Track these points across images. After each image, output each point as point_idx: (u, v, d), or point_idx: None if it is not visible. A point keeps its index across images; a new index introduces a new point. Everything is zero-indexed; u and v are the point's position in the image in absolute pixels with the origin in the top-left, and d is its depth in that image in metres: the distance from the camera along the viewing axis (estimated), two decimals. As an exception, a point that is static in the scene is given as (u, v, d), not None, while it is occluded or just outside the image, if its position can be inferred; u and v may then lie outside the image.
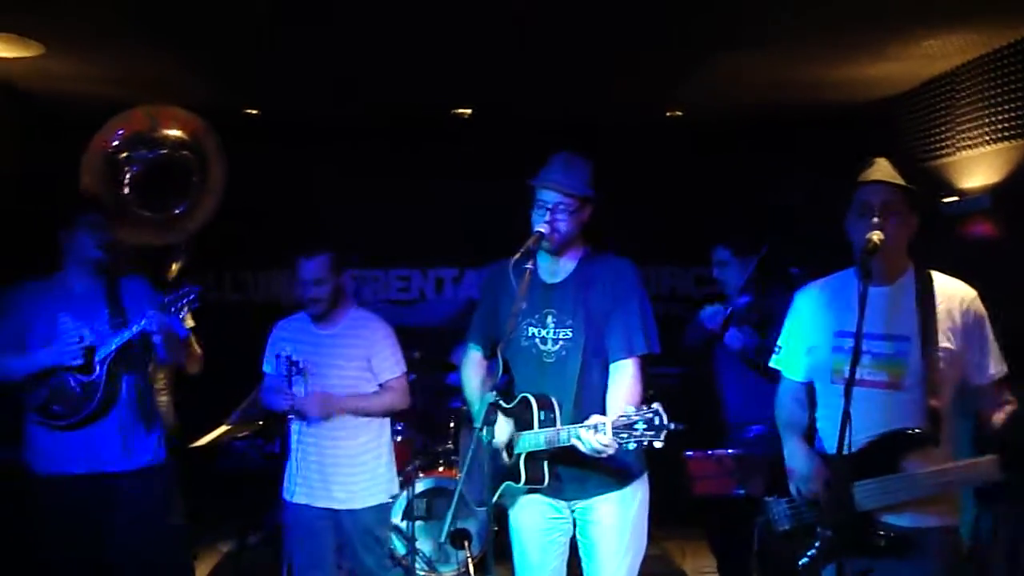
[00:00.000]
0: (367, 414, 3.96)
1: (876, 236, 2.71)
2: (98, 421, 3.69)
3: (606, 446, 2.78)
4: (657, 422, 2.67)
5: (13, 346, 3.73)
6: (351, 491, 3.93)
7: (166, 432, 4.00)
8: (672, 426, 2.66)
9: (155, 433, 3.89)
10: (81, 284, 3.79)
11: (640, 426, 2.68)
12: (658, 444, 2.68)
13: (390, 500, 4.12)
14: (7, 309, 3.78)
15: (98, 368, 3.64)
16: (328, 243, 3.90)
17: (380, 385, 4.01)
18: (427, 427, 5.77)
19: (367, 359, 3.96)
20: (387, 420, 4.11)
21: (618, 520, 3.15)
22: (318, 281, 3.85)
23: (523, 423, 3.09)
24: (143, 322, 3.59)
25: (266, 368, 4.11)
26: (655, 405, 2.70)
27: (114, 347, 3.64)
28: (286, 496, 3.99)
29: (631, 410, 2.74)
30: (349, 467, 3.93)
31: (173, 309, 3.58)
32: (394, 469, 4.13)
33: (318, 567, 3.97)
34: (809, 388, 3.03)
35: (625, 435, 2.71)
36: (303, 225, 6.56)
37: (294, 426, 3.97)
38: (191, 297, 3.59)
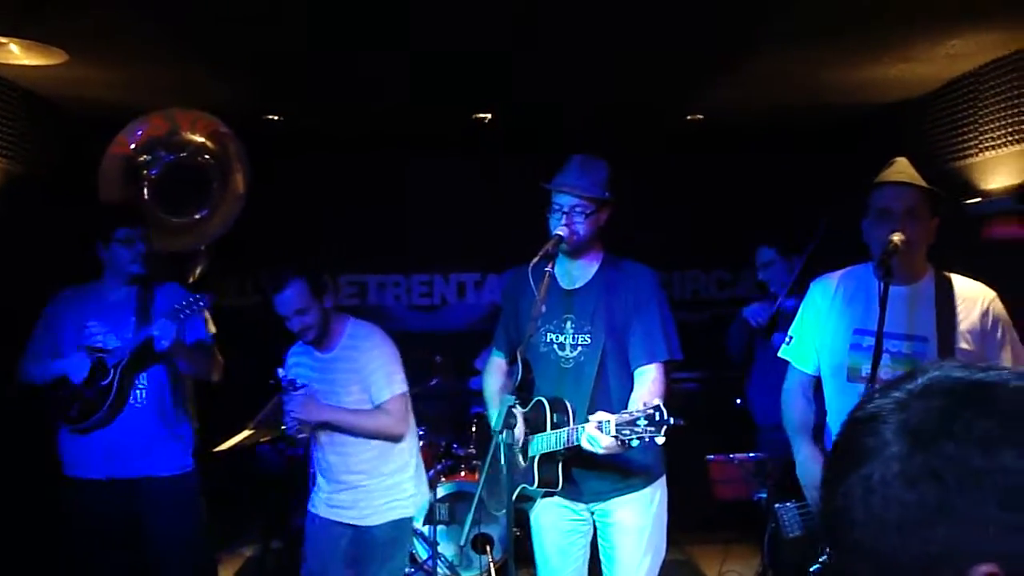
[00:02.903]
0: (352, 432, 3.64)
1: (897, 237, 2.69)
2: (113, 425, 3.74)
3: (605, 446, 2.79)
4: (658, 418, 2.68)
5: (49, 353, 3.82)
6: (367, 507, 3.73)
7: (194, 440, 4.01)
8: (672, 421, 2.67)
9: (181, 441, 3.92)
10: (115, 293, 3.86)
11: (642, 422, 2.70)
12: (659, 440, 2.70)
13: (409, 516, 3.87)
14: (47, 317, 3.88)
15: (111, 373, 3.69)
16: (298, 267, 3.56)
17: (378, 407, 3.66)
18: (449, 431, 5.78)
19: (361, 382, 3.64)
20: (413, 434, 3.83)
21: (637, 522, 3.15)
22: (299, 311, 3.53)
23: (537, 426, 3.10)
24: (152, 329, 3.63)
25: None
26: (656, 401, 2.71)
27: (126, 354, 3.69)
28: (309, 505, 3.90)
29: (633, 407, 2.75)
30: (363, 484, 3.71)
31: (183, 316, 3.62)
32: (421, 481, 3.89)
33: None
34: (816, 383, 3.01)
35: (627, 432, 2.72)
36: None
37: (320, 453, 3.81)
38: (202, 304, 3.63)
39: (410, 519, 3.90)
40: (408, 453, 3.79)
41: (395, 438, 3.66)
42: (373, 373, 3.63)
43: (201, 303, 3.64)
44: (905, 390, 0.91)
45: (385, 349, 3.69)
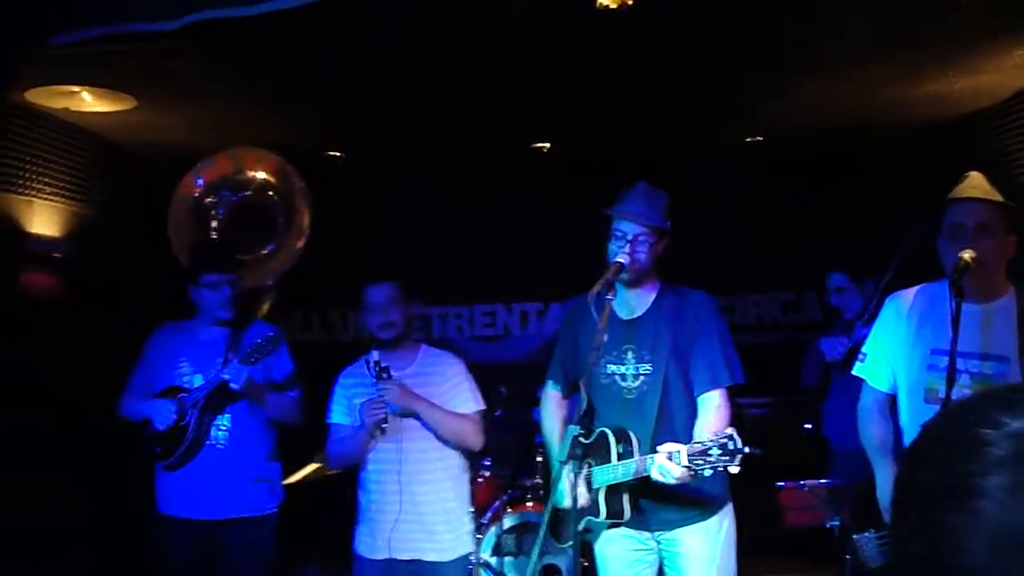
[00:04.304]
0: (439, 429, 3.63)
1: (968, 255, 2.61)
2: (195, 466, 3.75)
3: (677, 477, 2.74)
4: (731, 447, 2.63)
5: (144, 389, 3.89)
6: (438, 542, 3.65)
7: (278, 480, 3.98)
8: (747, 450, 2.61)
9: (265, 484, 3.88)
10: (207, 332, 3.90)
11: (715, 452, 2.64)
12: (733, 469, 2.64)
13: (472, 551, 3.88)
14: (144, 353, 3.95)
15: (189, 413, 3.72)
16: (395, 273, 3.79)
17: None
18: (515, 462, 5.75)
19: (441, 396, 3.69)
20: (466, 470, 3.82)
21: (705, 551, 3.09)
22: (389, 302, 3.66)
23: (601, 457, 3.07)
24: (223, 372, 3.66)
25: (334, 418, 3.77)
26: (728, 430, 2.66)
27: (202, 394, 3.71)
28: (357, 549, 3.74)
29: (705, 436, 2.71)
30: (436, 517, 3.65)
31: (253, 359, 3.65)
32: (471, 519, 3.91)
33: None
34: (891, 401, 2.93)
35: (700, 461, 2.67)
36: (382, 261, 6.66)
37: (372, 475, 3.72)
38: (271, 347, 3.66)
39: (468, 558, 3.86)
40: (466, 491, 3.85)
41: (473, 447, 3.73)
42: (456, 387, 3.73)
43: (271, 346, 3.66)
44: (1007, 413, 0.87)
45: (464, 367, 3.82)
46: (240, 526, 3.79)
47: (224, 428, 3.79)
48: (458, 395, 3.73)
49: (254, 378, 3.72)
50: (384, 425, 3.56)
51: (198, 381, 3.78)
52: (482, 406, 3.77)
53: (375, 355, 3.66)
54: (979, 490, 0.85)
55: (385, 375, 3.58)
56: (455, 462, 3.73)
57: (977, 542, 0.84)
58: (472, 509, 3.91)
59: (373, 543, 3.67)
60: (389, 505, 3.64)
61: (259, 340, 3.67)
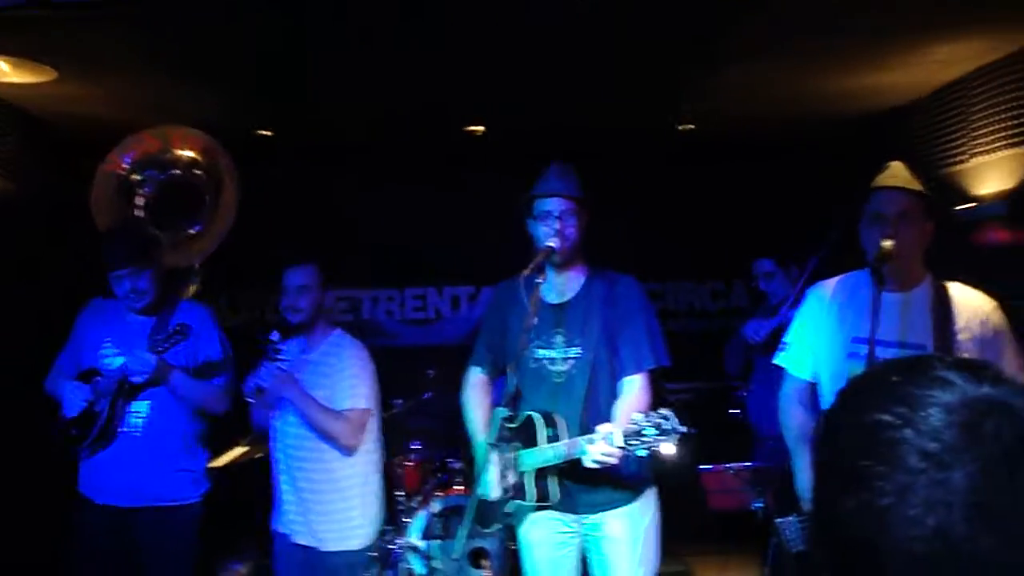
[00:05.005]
0: (310, 422, 3.61)
1: (888, 244, 2.68)
2: (110, 453, 3.67)
3: (610, 455, 2.75)
4: (667, 426, 2.65)
5: (72, 366, 3.79)
6: (317, 530, 3.69)
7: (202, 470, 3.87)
8: (684, 429, 2.63)
9: (186, 473, 3.78)
10: (133, 313, 3.79)
11: (650, 432, 2.66)
12: (670, 448, 2.65)
13: (362, 548, 3.78)
14: (75, 328, 3.86)
15: (100, 400, 3.64)
16: (315, 255, 3.78)
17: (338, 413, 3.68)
18: (444, 445, 5.75)
19: (328, 388, 3.67)
20: (368, 464, 3.78)
21: (629, 533, 3.12)
22: (301, 288, 3.68)
23: (528, 441, 3.08)
24: (128, 362, 3.58)
25: None
26: (663, 410, 2.67)
27: (114, 381, 3.62)
28: (272, 523, 3.83)
29: (639, 416, 2.71)
30: (321, 505, 3.68)
31: (160, 349, 3.57)
32: (371, 516, 3.82)
33: None
34: (812, 390, 2.98)
35: (635, 442, 2.68)
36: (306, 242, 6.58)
37: (278, 455, 3.77)
38: (179, 338, 3.59)
39: (361, 551, 3.79)
40: (359, 481, 3.75)
41: (344, 447, 3.65)
42: (341, 381, 3.66)
43: (179, 337, 3.58)
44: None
45: (359, 362, 3.73)
46: (158, 515, 3.69)
47: (141, 415, 3.69)
48: (343, 389, 3.66)
49: (169, 363, 3.64)
50: (251, 399, 3.70)
51: (118, 363, 3.68)
52: (364, 406, 3.68)
53: (275, 335, 3.64)
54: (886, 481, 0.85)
55: (273, 356, 3.60)
56: (334, 456, 3.67)
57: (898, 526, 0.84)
58: (372, 502, 3.82)
59: (279, 519, 3.78)
60: (281, 484, 3.76)
61: (170, 329, 3.60)
